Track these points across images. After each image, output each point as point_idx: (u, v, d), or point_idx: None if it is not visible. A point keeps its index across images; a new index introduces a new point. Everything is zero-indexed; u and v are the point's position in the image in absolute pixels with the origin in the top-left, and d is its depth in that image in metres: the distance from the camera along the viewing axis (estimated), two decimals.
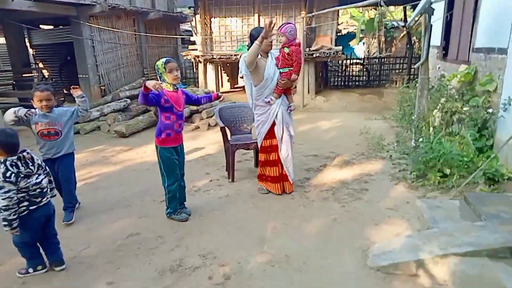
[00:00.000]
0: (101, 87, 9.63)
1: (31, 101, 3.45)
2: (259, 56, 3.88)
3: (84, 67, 9.21)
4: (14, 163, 2.51)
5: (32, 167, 2.62)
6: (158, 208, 3.92)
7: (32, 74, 10.82)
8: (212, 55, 10.55)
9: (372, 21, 15.08)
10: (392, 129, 6.81)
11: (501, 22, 4.57)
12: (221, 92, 10.34)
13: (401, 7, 12.54)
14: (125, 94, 8.86)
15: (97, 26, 9.24)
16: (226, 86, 12.60)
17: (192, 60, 11.38)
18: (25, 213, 2.62)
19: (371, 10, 15.49)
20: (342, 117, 8.32)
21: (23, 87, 9.84)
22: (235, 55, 9.96)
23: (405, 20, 11.49)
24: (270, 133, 4.03)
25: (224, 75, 12.60)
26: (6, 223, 2.51)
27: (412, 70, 10.62)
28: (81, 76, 9.29)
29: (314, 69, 10.09)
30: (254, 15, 10.28)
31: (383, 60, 13.41)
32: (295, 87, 9.29)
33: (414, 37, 13.88)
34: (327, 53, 9.66)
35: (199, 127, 7.61)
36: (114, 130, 7.21)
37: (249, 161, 5.36)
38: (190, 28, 13.60)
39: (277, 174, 4.10)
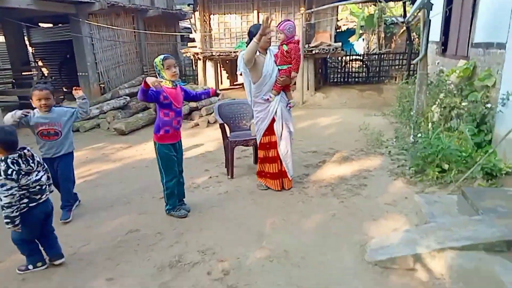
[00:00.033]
0: (101, 85, 9.64)
1: (30, 100, 3.45)
2: (258, 53, 3.88)
3: (83, 65, 9.21)
4: (15, 161, 2.53)
5: (32, 164, 2.64)
6: (157, 205, 3.93)
7: (32, 73, 10.82)
8: (212, 52, 10.54)
9: (371, 17, 14.98)
10: (391, 125, 6.82)
11: (499, 17, 4.56)
12: (221, 89, 10.35)
13: (401, 2, 12.48)
14: (125, 92, 8.86)
15: (96, 23, 9.23)
16: (226, 83, 12.59)
17: (192, 57, 11.37)
18: (25, 210, 2.63)
19: (370, 6, 15.43)
20: (341, 114, 8.32)
21: (23, 86, 9.84)
22: (234, 52, 9.96)
23: (405, 16, 11.44)
24: (269, 130, 4.04)
25: (224, 72, 12.59)
26: (8, 220, 2.53)
27: (412, 66, 10.60)
28: (80, 74, 9.30)
29: (313, 66, 10.08)
30: (253, 12, 10.26)
31: (382, 56, 13.37)
32: (295, 83, 9.30)
33: (414, 33, 13.82)
34: (327, 50, 9.65)
35: (198, 124, 7.62)
36: (114, 127, 7.23)
37: (248, 157, 5.37)
38: (189, 26, 13.58)
39: (276, 171, 4.12)
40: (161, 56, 3.37)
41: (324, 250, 3.01)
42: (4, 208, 2.50)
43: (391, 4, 16.13)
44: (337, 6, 10.07)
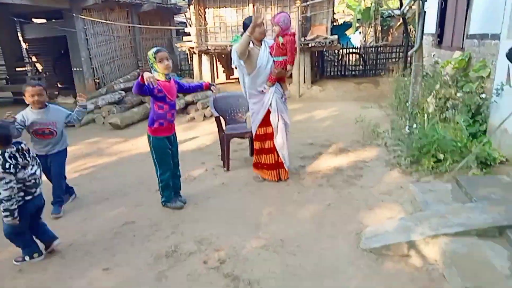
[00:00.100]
0: (95, 80, 9.60)
1: (23, 96, 3.42)
2: (252, 45, 3.88)
3: (78, 60, 9.16)
4: (12, 155, 2.55)
5: (28, 159, 2.68)
6: (153, 197, 3.94)
7: (26, 68, 10.76)
8: (207, 46, 10.50)
9: (368, 10, 14.99)
10: (388, 117, 6.83)
11: (494, 8, 4.57)
12: (217, 84, 10.33)
13: None
14: (120, 87, 8.82)
15: (90, 18, 9.18)
16: (222, 77, 12.56)
17: (187, 51, 11.33)
18: (20, 203, 2.65)
19: None
20: (338, 106, 8.33)
21: (17, 82, 9.80)
22: (230, 46, 9.91)
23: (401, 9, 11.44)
24: (265, 121, 4.04)
25: (220, 66, 12.55)
26: (8, 213, 2.56)
27: (408, 58, 10.61)
28: (75, 69, 9.26)
29: (310, 59, 10.07)
30: (248, 5, 10.21)
31: (379, 49, 13.37)
32: (291, 75, 9.28)
33: (411, 26, 13.82)
34: (323, 43, 9.63)
35: (194, 118, 7.61)
36: (109, 122, 7.21)
37: (244, 150, 5.37)
38: (184, 20, 13.51)
39: (273, 162, 4.12)
40: (154, 49, 3.35)
41: (320, 238, 3.03)
42: (4, 202, 2.53)
43: None
44: None
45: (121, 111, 7.89)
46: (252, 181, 4.25)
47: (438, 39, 7.07)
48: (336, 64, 13.29)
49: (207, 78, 10.73)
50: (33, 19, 11.10)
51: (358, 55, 13.59)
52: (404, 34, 11.52)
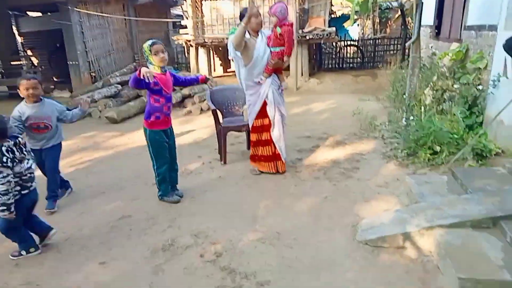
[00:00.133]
0: (91, 74, 9.54)
1: (18, 89, 3.38)
2: (249, 36, 3.85)
3: (73, 53, 9.09)
4: (10, 149, 2.54)
5: (25, 152, 2.68)
6: (150, 191, 3.94)
7: (21, 62, 10.68)
8: (204, 39, 10.42)
9: (366, 2, 14.83)
10: (385, 110, 6.82)
11: None
12: (214, 77, 10.27)
13: None
14: (116, 80, 8.77)
15: (86, 11, 9.09)
16: (219, 70, 12.50)
17: (184, 44, 11.25)
18: (17, 197, 2.64)
19: None
20: (335, 99, 8.31)
21: (12, 75, 9.72)
22: (227, 38, 9.83)
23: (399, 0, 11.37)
24: (262, 113, 4.03)
25: (217, 60, 12.48)
26: (4, 207, 2.55)
27: (406, 50, 10.57)
28: (70, 63, 9.19)
29: (307, 51, 10.01)
30: None
31: (377, 41, 13.31)
32: (288, 68, 9.24)
33: (409, 18, 13.75)
34: (321, 35, 9.58)
35: (191, 112, 7.58)
36: (106, 116, 7.17)
37: (241, 144, 5.36)
38: (181, 12, 13.40)
39: (270, 154, 4.12)
40: (149, 42, 3.32)
41: (317, 231, 3.04)
42: (0, 196, 2.52)
43: None
44: None
45: (118, 105, 7.85)
46: (249, 175, 4.25)
47: (436, 31, 7.03)
48: (334, 56, 13.24)
49: (204, 71, 10.67)
50: (28, 12, 10.99)
51: (356, 48, 13.54)
52: (402, 26, 11.47)
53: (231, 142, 5.32)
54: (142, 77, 3.07)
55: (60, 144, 3.69)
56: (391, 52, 12.67)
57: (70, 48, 9.08)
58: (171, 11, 13.86)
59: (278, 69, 4.05)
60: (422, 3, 4.91)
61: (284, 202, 3.56)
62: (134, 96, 8.34)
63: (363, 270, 2.53)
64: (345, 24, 16.25)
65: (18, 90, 3.38)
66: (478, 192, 2.96)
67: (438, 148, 4.20)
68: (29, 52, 11.41)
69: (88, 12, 9.18)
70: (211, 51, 11.40)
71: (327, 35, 9.56)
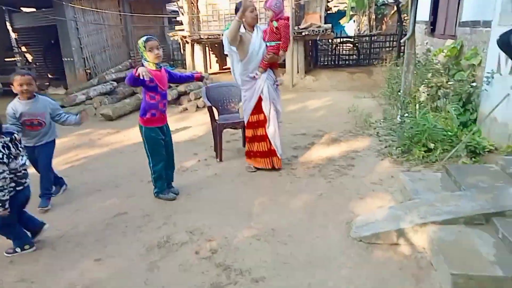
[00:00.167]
0: (86, 70, 9.49)
1: (11, 85, 3.33)
2: (244, 30, 3.85)
3: (68, 50, 9.03)
4: (6, 145, 2.53)
5: (20, 149, 2.67)
6: (145, 188, 3.94)
7: (15, 59, 10.60)
8: (200, 35, 10.39)
9: None
10: (380, 107, 6.85)
11: None
12: (210, 73, 10.23)
13: None
14: (111, 77, 8.73)
15: (80, 7, 9.02)
16: (215, 67, 12.47)
17: (179, 41, 11.20)
18: (12, 194, 2.63)
19: None
20: (331, 96, 8.33)
21: (6, 72, 9.62)
22: (223, 35, 9.81)
23: None
24: (257, 108, 4.03)
25: (213, 56, 12.44)
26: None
27: (402, 47, 10.60)
28: (65, 59, 9.14)
29: (303, 48, 10.01)
30: None
31: (373, 38, 13.32)
32: (284, 65, 9.21)
33: (405, 14, 13.78)
34: (316, 31, 9.57)
35: (187, 109, 7.57)
36: (101, 113, 7.15)
37: (237, 141, 5.37)
38: (176, 8, 13.32)
39: (266, 149, 4.12)
40: (144, 38, 3.30)
41: (311, 228, 3.05)
42: None
43: None
44: None
45: (113, 102, 7.83)
46: (245, 172, 4.25)
47: (431, 27, 7.06)
48: (329, 53, 13.25)
49: (199, 68, 10.64)
50: (22, 8, 10.87)
51: (352, 44, 13.54)
52: (398, 23, 11.48)
53: (227, 139, 5.32)
54: (138, 76, 3.07)
55: (53, 141, 3.65)
56: (387, 49, 12.69)
57: (65, 44, 9.02)
58: (166, 7, 13.79)
59: (273, 64, 4.04)
60: None
61: (279, 199, 3.57)
62: (129, 93, 8.31)
63: (358, 266, 2.54)
64: (341, 21, 16.25)
65: (11, 86, 3.33)
66: (471, 189, 2.99)
67: (432, 146, 4.23)
68: (23, 49, 11.31)
69: (83, 7, 9.12)
70: (207, 48, 11.36)
71: (323, 31, 9.56)
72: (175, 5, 13.58)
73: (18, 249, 2.84)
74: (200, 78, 3.90)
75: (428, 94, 5.20)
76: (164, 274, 2.57)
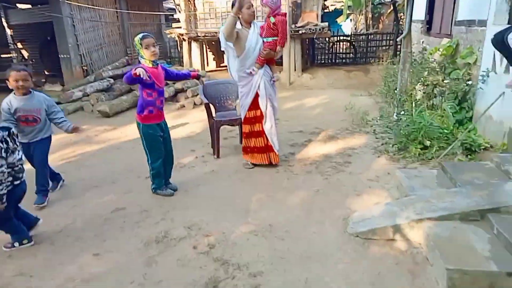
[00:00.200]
0: (83, 67, 9.45)
1: (7, 81, 3.30)
2: (241, 26, 3.87)
3: (65, 47, 8.99)
4: (4, 139, 2.53)
5: (18, 143, 2.68)
6: (143, 184, 3.95)
7: (11, 55, 10.52)
8: (197, 33, 10.37)
9: None
10: (377, 105, 6.90)
11: None
12: (207, 71, 10.22)
13: None
14: (108, 74, 8.70)
15: (76, 3, 8.97)
16: (212, 65, 12.46)
17: (177, 38, 11.17)
18: (9, 188, 2.64)
19: None
20: (328, 94, 8.36)
21: (2, 69, 9.57)
22: (219, 31, 9.80)
23: None
24: (254, 104, 4.04)
25: (210, 54, 12.43)
26: None
27: (399, 46, 10.64)
28: (62, 56, 9.09)
29: (300, 47, 10.02)
30: None
31: (370, 36, 13.37)
32: (281, 62, 9.23)
33: (401, 13, 13.84)
34: (313, 30, 9.59)
35: (184, 106, 7.57)
36: (98, 110, 7.13)
37: (234, 138, 5.38)
38: (173, 6, 13.29)
39: (263, 145, 4.14)
40: (140, 35, 3.29)
41: (308, 224, 3.08)
42: None
43: None
44: None
45: (110, 99, 7.81)
46: (242, 168, 4.27)
47: (427, 26, 7.09)
48: (326, 51, 13.28)
49: (197, 66, 10.63)
50: (17, 4, 10.80)
51: (348, 43, 13.58)
52: (395, 22, 11.53)
53: (224, 136, 5.33)
54: (136, 75, 3.09)
55: (49, 138, 3.61)
56: (384, 47, 12.75)
57: (61, 41, 8.97)
58: (163, 4, 13.74)
59: (270, 61, 4.06)
60: None
61: (277, 196, 3.59)
62: (126, 90, 8.29)
63: (354, 262, 2.57)
64: (338, 20, 16.29)
65: (7, 81, 3.29)
66: (466, 185, 3.02)
67: (428, 143, 4.27)
68: (19, 45, 11.24)
69: (79, 4, 9.07)
70: (204, 46, 11.34)
71: (320, 30, 9.58)
72: (172, 2, 13.54)
73: (16, 244, 2.85)
74: (197, 77, 3.92)
75: (424, 92, 5.24)
76: (162, 269, 2.58)
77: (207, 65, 11.88)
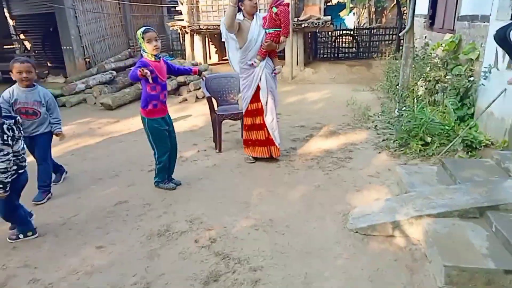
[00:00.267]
0: (86, 59, 9.44)
1: (10, 72, 3.30)
2: (243, 18, 3.87)
3: (67, 38, 8.98)
4: (10, 127, 2.55)
5: (22, 132, 2.70)
6: (145, 177, 3.98)
7: (14, 46, 10.51)
8: (199, 26, 10.33)
9: None
10: (379, 100, 6.89)
11: None
12: (209, 64, 10.19)
13: None
14: (111, 66, 8.70)
15: None
16: (214, 58, 12.41)
17: (179, 31, 11.13)
18: (14, 176, 2.67)
19: None
20: (330, 89, 8.35)
21: (5, 60, 9.57)
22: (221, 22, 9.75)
23: None
24: (256, 97, 4.05)
25: (212, 47, 12.38)
26: (1, 185, 2.56)
27: (402, 41, 10.59)
28: (64, 47, 9.09)
29: (303, 41, 9.98)
30: None
31: (372, 31, 13.29)
32: (284, 56, 9.19)
33: (405, 8, 13.73)
34: (316, 23, 9.53)
35: (186, 99, 7.58)
36: (101, 102, 7.15)
37: (236, 132, 5.40)
38: None
39: (264, 138, 4.16)
40: (142, 29, 3.30)
41: (308, 219, 3.11)
42: (0, 173, 2.53)
43: None
44: None
45: (113, 91, 7.82)
46: (244, 163, 4.30)
47: (430, 21, 7.05)
48: (329, 46, 13.21)
49: (199, 59, 10.60)
50: None
51: (351, 37, 13.51)
52: (398, 16, 11.46)
53: (226, 130, 5.36)
54: (142, 76, 3.17)
55: (50, 132, 3.55)
56: (386, 42, 12.67)
57: (64, 32, 8.96)
58: None
59: (272, 53, 4.06)
60: None
61: (278, 190, 3.63)
62: (129, 83, 8.28)
63: (353, 257, 2.60)
64: (341, 13, 16.16)
65: (10, 73, 3.29)
66: (466, 182, 3.04)
67: (429, 139, 4.28)
68: (21, 36, 11.22)
69: None
70: (206, 38, 11.30)
71: (322, 23, 9.52)
72: None
73: (21, 236, 2.89)
74: (198, 72, 3.93)
75: (426, 88, 5.24)
76: (164, 262, 2.62)
77: (210, 58, 11.84)
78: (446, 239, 2.48)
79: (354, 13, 18.61)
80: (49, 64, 10.93)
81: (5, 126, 2.51)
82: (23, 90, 3.32)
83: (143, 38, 3.27)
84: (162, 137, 3.54)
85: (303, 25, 9.54)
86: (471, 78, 4.63)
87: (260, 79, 3.97)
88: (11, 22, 11.27)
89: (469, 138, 4.01)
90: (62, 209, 3.37)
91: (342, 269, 2.50)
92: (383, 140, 4.81)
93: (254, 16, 3.92)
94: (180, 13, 10.89)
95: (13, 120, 2.59)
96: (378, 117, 5.74)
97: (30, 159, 2.99)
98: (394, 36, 12.41)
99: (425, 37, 6.97)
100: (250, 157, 4.30)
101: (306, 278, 2.42)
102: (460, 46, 5.25)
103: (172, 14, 13.34)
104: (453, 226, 2.60)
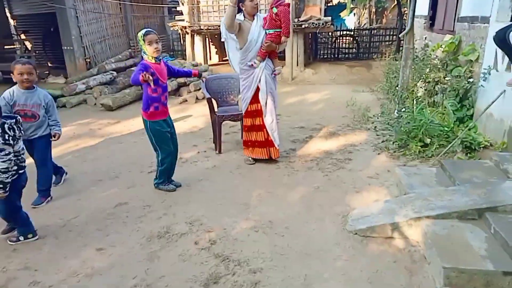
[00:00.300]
0: (86, 60, 9.45)
1: (11, 74, 3.28)
2: (244, 18, 3.88)
3: (68, 38, 8.99)
4: (11, 127, 2.56)
5: (22, 131, 2.70)
6: (145, 179, 3.99)
7: (14, 46, 10.52)
8: (200, 26, 10.34)
9: None
10: (379, 101, 6.89)
11: None
12: (210, 65, 10.19)
13: None
14: (111, 67, 8.72)
15: None
16: (215, 58, 12.42)
17: (180, 31, 11.14)
18: (15, 177, 2.67)
19: None
20: (330, 90, 8.35)
21: (5, 60, 9.59)
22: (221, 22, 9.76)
23: None
24: (255, 98, 4.06)
25: (213, 47, 12.39)
26: (1, 185, 2.57)
27: (402, 42, 10.59)
28: (65, 48, 9.10)
29: (303, 41, 9.99)
30: None
31: (373, 31, 13.29)
32: (284, 57, 9.20)
33: (405, 8, 13.73)
34: (316, 24, 9.54)
35: (186, 100, 7.59)
36: (101, 103, 7.16)
37: (236, 133, 5.41)
38: None
39: (263, 139, 4.17)
40: (143, 31, 3.31)
41: (308, 220, 3.12)
42: (0, 173, 2.53)
43: None
44: None
45: (113, 92, 7.83)
46: (243, 164, 4.31)
47: (430, 22, 7.06)
48: (329, 46, 13.22)
49: (199, 59, 10.61)
50: None
51: (351, 38, 13.50)
52: (398, 17, 11.46)
53: (226, 132, 5.37)
54: (144, 81, 3.19)
55: (49, 135, 3.51)
56: (387, 43, 12.67)
57: (65, 32, 8.97)
58: None
59: (272, 54, 4.06)
60: None
61: (277, 192, 3.63)
62: (129, 84, 8.26)
63: (353, 259, 2.61)
64: (342, 14, 16.16)
65: (11, 74, 3.27)
66: (465, 184, 3.05)
67: (428, 141, 4.29)
68: (22, 36, 11.23)
69: None
70: (207, 39, 11.31)
71: (323, 24, 9.53)
72: None
73: (21, 238, 2.90)
74: (198, 75, 3.94)
75: (425, 89, 5.25)
76: (164, 264, 2.63)
77: (210, 59, 11.85)
78: (445, 240, 2.48)
79: (354, 14, 18.62)
80: (49, 65, 10.95)
81: (6, 126, 2.52)
82: (23, 92, 3.32)
83: (144, 40, 3.28)
84: (165, 139, 3.55)
85: (303, 26, 9.54)
86: (471, 80, 4.63)
87: (260, 80, 3.98)
88: (12, 22, 11.28)
89: (468, 140, 4.02)
90: (62, 211, 3.38)
91: (342, 270, 2.50)
92: (382, 141, 4.81)
93: (255, 17, 3.92)
94: (181, 14, 10.90)
95: (14, 120, 2.60)
96: (378, 118, 5.75)
97: (29, 160, 3.00)
98: (394, 36, 12.41)
99: (425, 38, 6.98)
100: (250, 159, 4.31)
101: (306, 279, 2.43)
102: (460, 47, 5.25)
103: (172, 14, 13.35)
104: (452, 228, 2.60)
